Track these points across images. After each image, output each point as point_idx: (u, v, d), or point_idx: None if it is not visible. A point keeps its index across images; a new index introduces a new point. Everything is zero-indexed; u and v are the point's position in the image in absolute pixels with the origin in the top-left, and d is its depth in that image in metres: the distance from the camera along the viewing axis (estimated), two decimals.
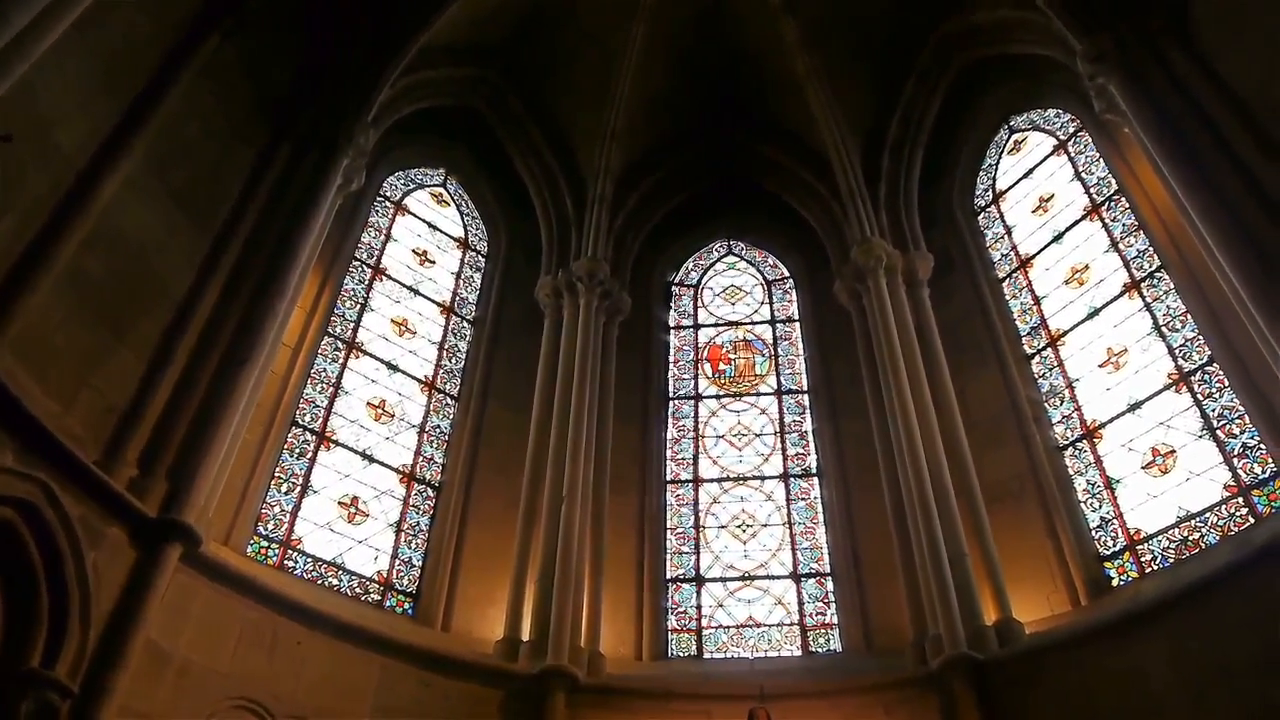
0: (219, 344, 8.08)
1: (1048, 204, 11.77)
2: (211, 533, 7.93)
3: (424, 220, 13.15)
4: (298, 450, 9.90)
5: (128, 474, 7.01)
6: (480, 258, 13.42)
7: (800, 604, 10.40)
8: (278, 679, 7.70)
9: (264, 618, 7.87)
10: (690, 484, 11.68)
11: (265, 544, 9.15)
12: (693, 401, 12.60)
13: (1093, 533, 9.19)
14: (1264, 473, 8.19)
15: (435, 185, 13.65)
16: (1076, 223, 11.23)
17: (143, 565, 6.80)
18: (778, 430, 12.10)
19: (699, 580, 10.73)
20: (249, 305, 8.47)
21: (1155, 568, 8.57)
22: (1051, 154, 12.07)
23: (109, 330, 7.34)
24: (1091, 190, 11.26)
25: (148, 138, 7.81)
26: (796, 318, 13.41)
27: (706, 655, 10.10)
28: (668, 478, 11.69)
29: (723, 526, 11.22)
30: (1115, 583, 8.78)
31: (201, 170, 8.59)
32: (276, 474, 9.57)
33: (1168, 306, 9.69)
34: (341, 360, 10.88)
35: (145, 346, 7.61)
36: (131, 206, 7.68)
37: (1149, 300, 9.92)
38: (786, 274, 14.02)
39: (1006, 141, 12.78)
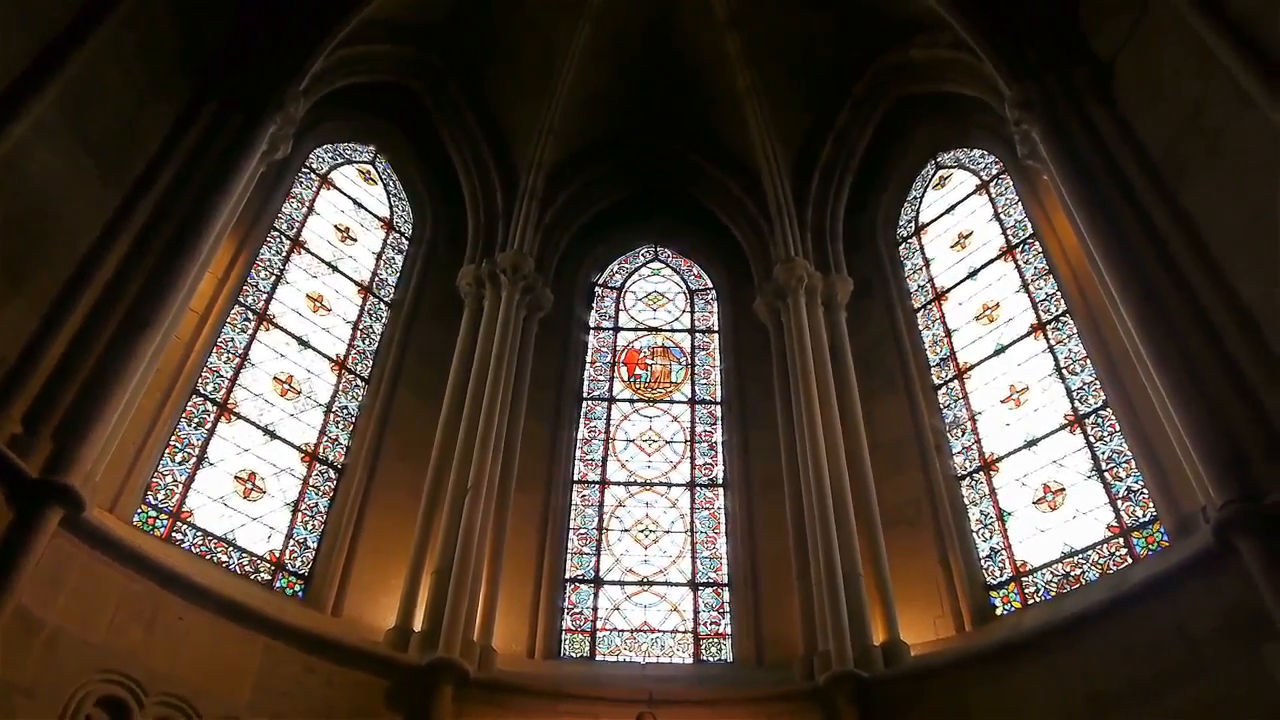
0: (122, 303, 7.71)
1: (966, 241, 12.13)
2: (97, 498, 7.59)
3: (349, 196, 12.87)
4: (196, 420, 9.57)
5: (10, 430, 6.64)
6: (403, 240, 13.19)
7: (695, 612, 10.49)
8: (154, 655, 7.40)
9: (145, 590, 7.56)
10: (597, 485, 11.68)
11: (154, 514, 8.80)
12: (606, 403, 12.61)
13: (982, 562, 9.50)
14: (1144, 516, 8.57)
15: (364, 162, 13.38)
16: (991, 261, 11.60)
17: (18, 527, 6.45)
18: (688, 439, 12.19)
19: (597, 582, 10.73)
20: (157, 266, 8.10)
21: (1037, 600, 8.90)
22: (974, 193, 12.45)
23: (2, 279, 6.95)
24: (1008, 232, 11.64)
25: (63, 82, 7.38)
26: (716, 329, 13.54)
27: (599, 657, 10.10)
28: (575, 478, 11.67)
29: (626, 530, 11.25)
30: (999, 611, 9.09)
31: (118, 122, 8.20)
32: (172, 443, 9.22)
33: (1070, 350, 10.07)
34: (251, 331, 10.56)
35: (41, 299, 7.21)
36: (39, 151, 7.27)
37: (1053, 342, 10.29)
38: (710, 285, 14.15)
39: (933, 176, 13.13)
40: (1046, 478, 9.54)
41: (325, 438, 10.57)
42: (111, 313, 7.63)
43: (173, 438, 9.25)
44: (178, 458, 9.25)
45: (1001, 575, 9.31)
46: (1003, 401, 10.42)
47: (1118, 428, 9.13)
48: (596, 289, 14.10)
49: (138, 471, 8.70)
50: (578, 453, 11.96)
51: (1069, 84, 9.07)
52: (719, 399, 12.59)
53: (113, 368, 7.42)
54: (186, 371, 9.53)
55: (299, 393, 10.66)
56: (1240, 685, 6.39)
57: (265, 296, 10.95)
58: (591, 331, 13.50)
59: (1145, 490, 8.64)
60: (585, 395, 12.66)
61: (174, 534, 8.85)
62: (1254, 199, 7.01)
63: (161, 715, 7.27)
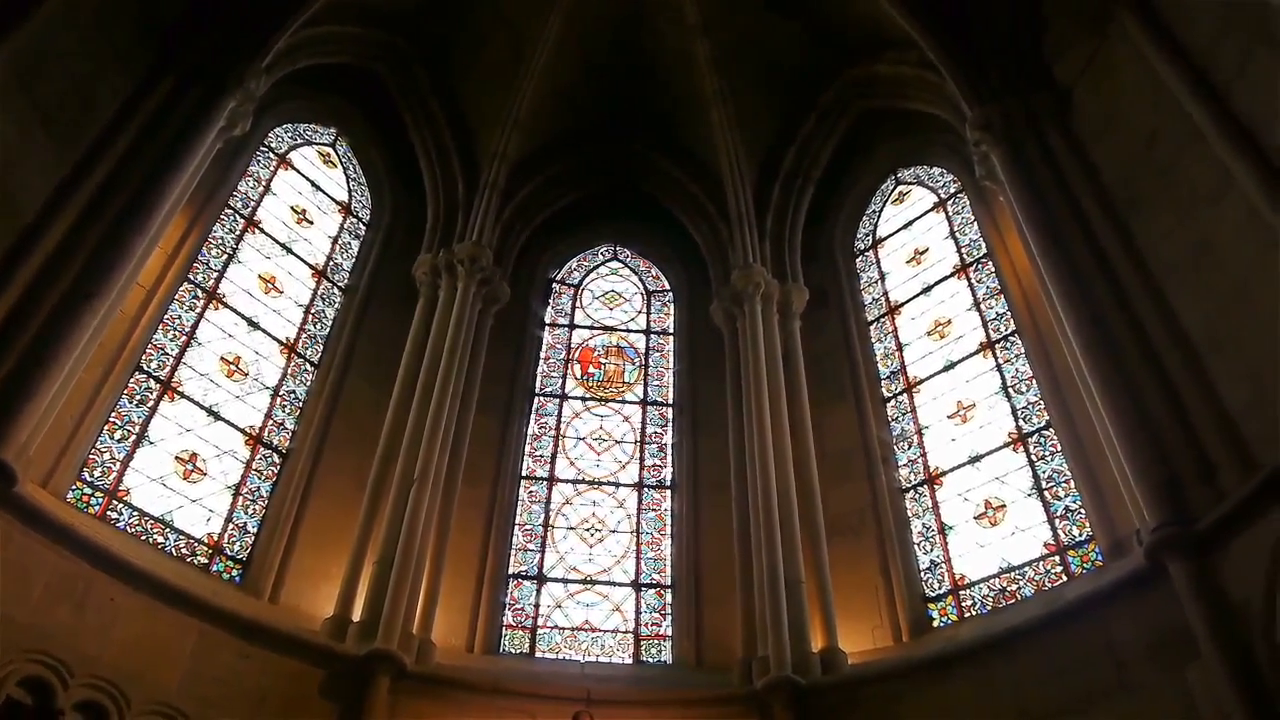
0: (66, 275, 7.51)
1: (922, 257, 12.29)
2: (30, 473, 7.40)
3: (307, 178, 12.67)
4: (138, 397, 9.35)
5: None
6: (361, 225, 13.02)
7: (637, 613, 10.49)
8: (84, 636, 7.21)
9: (76, 569, 7.37)
10: (545, 482, 11.63)
11: (89, 492, 8.57)
12: (558, 400, 12.56)
13: (922, 574, 9.62)
14: (1080, 535, 8.76)
15: (324, 144, 13.18)
16: (945, 279, 11.76)
17: None
18: (638, 440, 12.19)
19: (540, 579, 10.69)
20: (105, 238, 7.90)
21: (974, 613, 9.04)
22: (931, 210, 12.61)
23: None
24: (963, 250, 11.81)
25: (15, 44, 7.19)
26: (671, 331, 13.55)
27: (539, 654, 10.06)
28: (523, 473, 11.61)
29: (571, 528, 11.22)
30: (936, 623, 9.22)
31: (71, 88, 7.98)
32: (111, 419, 8.99)
33: (1016, 369, 10.25)
34: (199, 309, 10.34)
35: None
36: None
37: (1001, 361, 10.47)
38: (667, 287, 14.17)
39: (892, 191, 13.29)
40: (988, 494, 9.70)
41: (271, 421, 10.38)
42: (55, 283, 7.43)
43: (113, 414, 9.02)
44: (117, 435, 9.03)
45: (940, 588, 9.45)
46: (949, 417, 10.57)
47: (1059, 448, 9.31)
48: (554, 285, 14.04)
49: (74, 447, 8.47)
50: (527, 448, 11.89)
51: (1029, 109, 9.28)
52: (671, 401, 12.61)
53: (53, 340, 7.24)
54: (130, 347, 9.31)
55: (246, 374, 10.48)
56: (1164, 705, 6.54)
57: (216, 275, 10.73)
58: (547, 327, 13.43)
59: (1083, 510, 8.82)
60: (537, 391, 12.60)
61: (109, 513, 8.64)
62: (1198, 232, 7.23)
63: (87, 698, 7.07)
